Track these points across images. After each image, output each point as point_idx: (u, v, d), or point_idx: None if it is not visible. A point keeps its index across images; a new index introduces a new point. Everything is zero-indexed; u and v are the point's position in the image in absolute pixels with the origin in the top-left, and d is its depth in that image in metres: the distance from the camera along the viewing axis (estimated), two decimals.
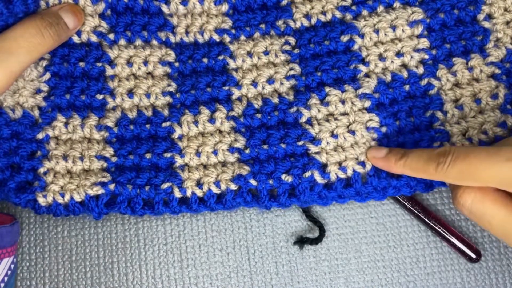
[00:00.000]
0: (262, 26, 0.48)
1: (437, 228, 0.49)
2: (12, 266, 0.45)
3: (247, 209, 0.50)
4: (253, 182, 0.45)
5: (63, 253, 0.49)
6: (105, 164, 0.46)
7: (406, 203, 0.49)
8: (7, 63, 0.41)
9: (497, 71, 0.46)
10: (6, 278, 0.44)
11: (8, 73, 0.41)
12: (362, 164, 0.45)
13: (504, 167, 0.36)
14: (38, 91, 0.46)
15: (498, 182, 0.37)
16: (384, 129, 0.46)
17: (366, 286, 0.49)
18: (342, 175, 0.45)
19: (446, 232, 0.49)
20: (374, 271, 0.49)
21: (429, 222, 0.49)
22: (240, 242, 0.50)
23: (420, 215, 0.49)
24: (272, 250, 0.50)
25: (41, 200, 0.44)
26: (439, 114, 0.46)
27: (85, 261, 0.49)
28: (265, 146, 0.46)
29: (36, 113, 0.46)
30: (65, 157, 0.45)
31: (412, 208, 0.49)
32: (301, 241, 0.49)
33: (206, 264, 0.49)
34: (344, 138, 0.45)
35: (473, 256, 0.49)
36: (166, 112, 0.47)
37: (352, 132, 0.46)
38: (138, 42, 0.48)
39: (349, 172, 0.45)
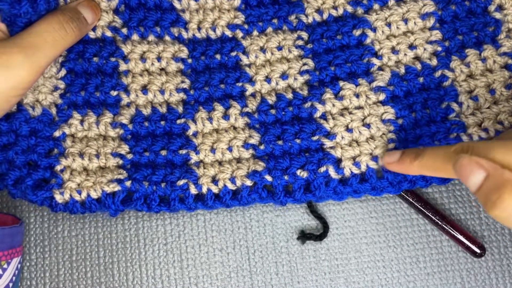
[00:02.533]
0: (275, 21, 0.49)
1: (441, 223, 0.49)
2: (19, 265, 0.45)
3: (247, 209, 0.50)
4: (268, 178, 0.45)
5: (64, 253, 0.50)
6: (120, 161, 0.46)
7: (409, 199, 0.49)
8: (35, 58, 0.41)
9: (510, 61, 0.47)
10: (14, 278, 0.44)
11: (36, 67, 0.41)
12: (376, 159, 0.45)
13: None
14: (55, 88, 0.47)
15: None
16: (400, 121, 0.46)
17: (366, 286, 0.49)
18: (356, 171, 0.45)
19: (451, 227, 0.49)
20: (374, 271, 0.49)
21: (433, 218, 0.49)
22: (240, 242, 0.50)
23: (424, 210, 0.49)
24: (272, 250, 0.50)
25: (58, 197, 0.44)
26: (454, 105, 0.46)
27: (85, 261, 0.49)
28: (280, 142, 0.46)
29: (54, 110, 0.46)
30: (81, 155, 0.46)
31: (416, 204, 0.49)
32: (304, 236, 0.49)
33: (206, 264, 0.49)
34: (359, 132, 0.45)
35: (478, 250, 0.48)
36: (180, 109, 0.47)
37: (367, 126, 0.46)
38: (151, 37, 0.48)
39: (363, 168, 0.45)
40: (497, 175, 0.34)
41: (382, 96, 0.46)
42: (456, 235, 0.49)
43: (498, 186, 0.33)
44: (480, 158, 0.35)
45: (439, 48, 0.47)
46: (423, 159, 0.40)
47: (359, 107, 0.46)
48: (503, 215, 0.33)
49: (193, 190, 0.45)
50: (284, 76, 0.47)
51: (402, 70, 0.47)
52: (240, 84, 0.47)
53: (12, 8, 0.42)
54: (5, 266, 0.43)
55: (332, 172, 0.45)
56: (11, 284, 0.44)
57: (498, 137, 0.41)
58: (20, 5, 0.42)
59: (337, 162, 0.45)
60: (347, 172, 0.45)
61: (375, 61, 0.47)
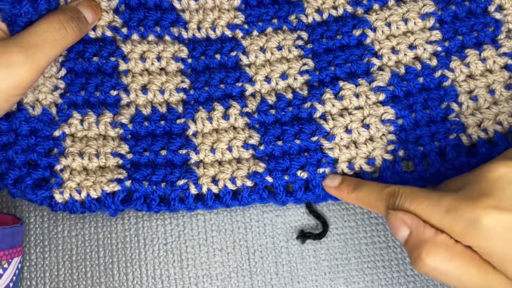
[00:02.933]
0: (275, 21, 0.49)
1: None
2: (20, 265, 0.45)
3: (247, 209, 0.50)
4: (269, 179, 0.45)
5: (63, 253, 0.49)
6: (120, 161, 0.46)
7: None
8: (36, 57, 0.41)
9: (510, 61, 0.47)
10: (14, 278, 0.44)
11: (36, 67, 0.41)
12: (372, 162, 0.45)
13: (446, 218, 0.35)
14: (55, 88, 0.47)
15: (447, 230, 0.35)
16: (400, 121, 0.46)
17: (366, 286, 0.49)
18: (349, 172, 0.45)
19: None
20: (374, 271, 0.49)
21: None
22: (240, 242, 0.50)
23: None
24: (272, 250, 0.50)
25: (57, 197, 0.44)
26: (454, 105, 0.46)
27: (85, 261, 0.49)
28: (280, 142, 0.46)
29: (54, 110, 0.46)
30: (81, 154, 0.46)
31: None
32: (304, 236, 0.49)
33: (206, 264, 0.49)
34: (358, 132, 0.45)
35: None
36: (180, 109, 0.47)
37: (367, 126, 0.46)
38: (151, 37, 0.48)
39: (357, 169, 0.45)
40: (418, 233, 0.36)
41: (382, 96, 0.46)
42: None
43: (417, 245, 0.35)
44: (405, 214, 0.37)
45: (439, 48, 0.47)
46: (360, 193, 0.41)
47: (359, 108, 0.46)
48: (423, 271, 0.35)
49: (193, 190, 0.45)
50: (284, 76, 0.47)
51: (402, 70, 0.47)
52: (240, 84, 0.47)
53: (13, 8, 0.42)
54: (6, 266, 0.43)
55: (328, 172, 0.45)
56: (11, 284, 0.44)
57: (437, 187, 0.41)
58: (21, 5, 0.42)
59: (334, 163, 0.45)
60: (339, 172, 0.45)
61: (375, 61, 0.47)
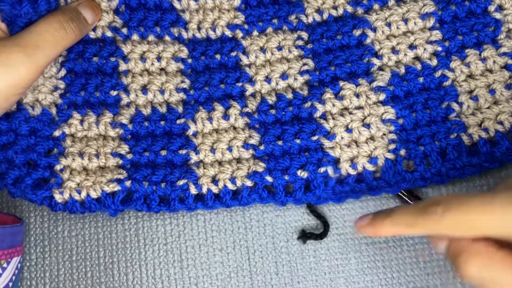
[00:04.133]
0: (275, 21, 0.49)
1: None
2: (19, 265, 0.45)
3: (247, 209, 0.50)
4: (269, 179, 0.45)
5: (64, 253, 0.49)
6: (120, 161, 0.46)
7: (408, 199, 0.49)
8: (35, 57, 0.41)
9: (510, 61, 0.47)
10: (14, 277, 0.44)
11: (36, 67, 0.42)
12: (374, 161, 0.45)
13: (499, 215, 0.34)
14: (56, 88, 0.47)
15: (495, 231, 0.34)
16: (401, 121, 0.46)
17: (366, 286, 0.49)
18: (352, 172, 0.45)
19: None
20: (374, 271, 0.49)
21: None
22: (240, 242, 0.50)
23: None
24: (272, 250, 0.50)
25: (57, 197, 0.44)
26: (454, 105, 0.46)
27: (85, 261, 0.49)
28: (280, 142, 0.46)
29: (53, 110, 0.46)
30: (81, 154, 0.46)
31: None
32: (305, 236, 0.49)
33: (206, 264, 0.49)
34: (359, 132, 0.46)
35: None
36: (180, 109, 0.47)
37: (367, 126, 0.46)
38: (151, 37, 0.48)
39: (360, 169, 0.45)
40: (454, 243, 0.36)
41: (382, 96, 0.46)
42: None
43: (456, 255, 0.35)
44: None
45: (439, 48, 0.47)
46: (393, 218, 0.39)
47: (359, 107, 0.46)
48: (466, 281, 0.35)
49: (193, 190, 0.45)
50: (284, 76, 0.47)
51: (403, 70, 0.47)
52: (240, 84, 0.47)
53: (13, 8, 0.42)
54: (5, 265, 0.43)
55: (331, 172, 0.45)
56: (10, 284, 0.44)
57: (493, 189, 0.40)
58: (21, 5, 0.43)
59: (335, 163, 0.45)
60: (344, 172, 0.45)
61: (375, 61, 0.47)
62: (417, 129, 0.45)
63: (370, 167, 0.45)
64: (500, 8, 0.48)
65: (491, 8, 0.47)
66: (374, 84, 0.46)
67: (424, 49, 0.47)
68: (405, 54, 0.47)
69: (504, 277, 0.34)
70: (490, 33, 0.47)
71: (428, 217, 0.36)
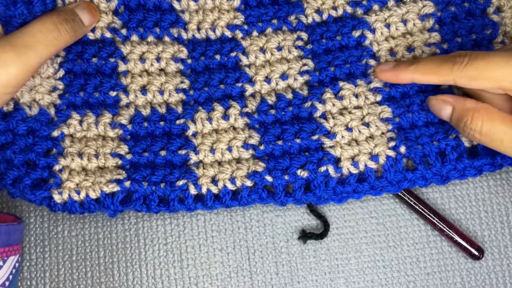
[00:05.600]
0: (274, 21, 0.49)
1: (439, 225, 0.49)
2: (17, 264, 0.45)
3: (247, 209, 0.50)
4: (269, 178, 0.45)
5: (64, 253, 0.49)
6: (120, 162, 0.46)
7: (408, 200, 0.49)
8: (26, 57, 0.42)
9: None
10: (11, 277, 0.44)
11: (27, 66, 0.42)
12: (376, 158, 0.45)
13: None
14: (54, 89, 0.47)
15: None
16: (398, 119, 0.46)
17: (366, 286, 0.49)
18: (354, 171, 0.45)
19: (449, 229, 0.48)
20: (374, 271, 0.49)
21: (431, 219, 0.49)
22: (240, 242, 0.50)
23: (423, 211, 0.49)
24: (272, 250, 0.50)
25: (56, 197, 0.44)
26: None
27: (85, 261, 0.49)
28: (280, 142, 0.46)
29: (52, 110, 0.46)
30: (80, 155, 0.46)
31: (415, 205, 0.49)
32: (305, 236, 0.49)
33: (206, 264, 0.49)
34: (359, 131, 0.46)
35: (476, 253, 0.48)
36: (179, 109, 0.47)
37: (367, 125, 0.46)
38: (151, 38, 0.48)
39: (361, 167, 0.45)
40: (460, 105, 0.41)
41: (379, 97, 0.46)
42: (454, 236, 0.48)
43: (462, 115, 0.40)
44: (445, 95, 0.42)
45: (438, 51, 0.47)
46: (419, 65, 0.42)
47: (358, 107, 0.46)
48: (471, 137, 0.40)
49: (192, 191, 0.45)
50: (284, 76, 0.47)
51: None
52: (239, 84, 0.47)
53: (7, 9, 0.43)
54: (1, 263, 0.43)
55: (332, 171, 0.45)
56: (7, 283, 0.43)
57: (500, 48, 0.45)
58: (16, 6, 0.43)
59: (336, 162, 0.45)
60: (345, 172, 0.45)
61: (372, 62, 0.47)
62: (414, 128, 0.45)
63: (372, 165, 0.45)
64: (498, 10, 0.48)
65: (490, 10, 0.47)
66: (372, 85, 0.46)
67: (422, 52, 0.47)
68: (403, 56, 0.47)
69: (506, 131, 0.39)
70: (488, 35, 0.47)
71: (453, 66, 0.40)
